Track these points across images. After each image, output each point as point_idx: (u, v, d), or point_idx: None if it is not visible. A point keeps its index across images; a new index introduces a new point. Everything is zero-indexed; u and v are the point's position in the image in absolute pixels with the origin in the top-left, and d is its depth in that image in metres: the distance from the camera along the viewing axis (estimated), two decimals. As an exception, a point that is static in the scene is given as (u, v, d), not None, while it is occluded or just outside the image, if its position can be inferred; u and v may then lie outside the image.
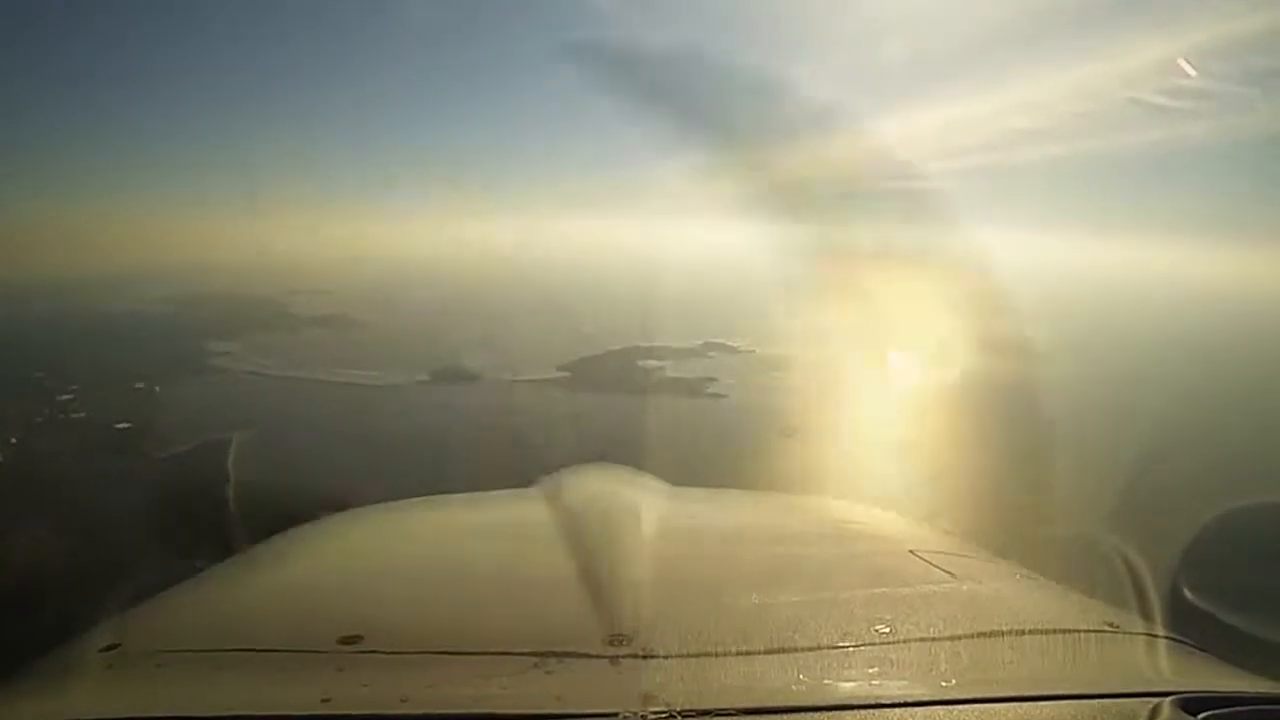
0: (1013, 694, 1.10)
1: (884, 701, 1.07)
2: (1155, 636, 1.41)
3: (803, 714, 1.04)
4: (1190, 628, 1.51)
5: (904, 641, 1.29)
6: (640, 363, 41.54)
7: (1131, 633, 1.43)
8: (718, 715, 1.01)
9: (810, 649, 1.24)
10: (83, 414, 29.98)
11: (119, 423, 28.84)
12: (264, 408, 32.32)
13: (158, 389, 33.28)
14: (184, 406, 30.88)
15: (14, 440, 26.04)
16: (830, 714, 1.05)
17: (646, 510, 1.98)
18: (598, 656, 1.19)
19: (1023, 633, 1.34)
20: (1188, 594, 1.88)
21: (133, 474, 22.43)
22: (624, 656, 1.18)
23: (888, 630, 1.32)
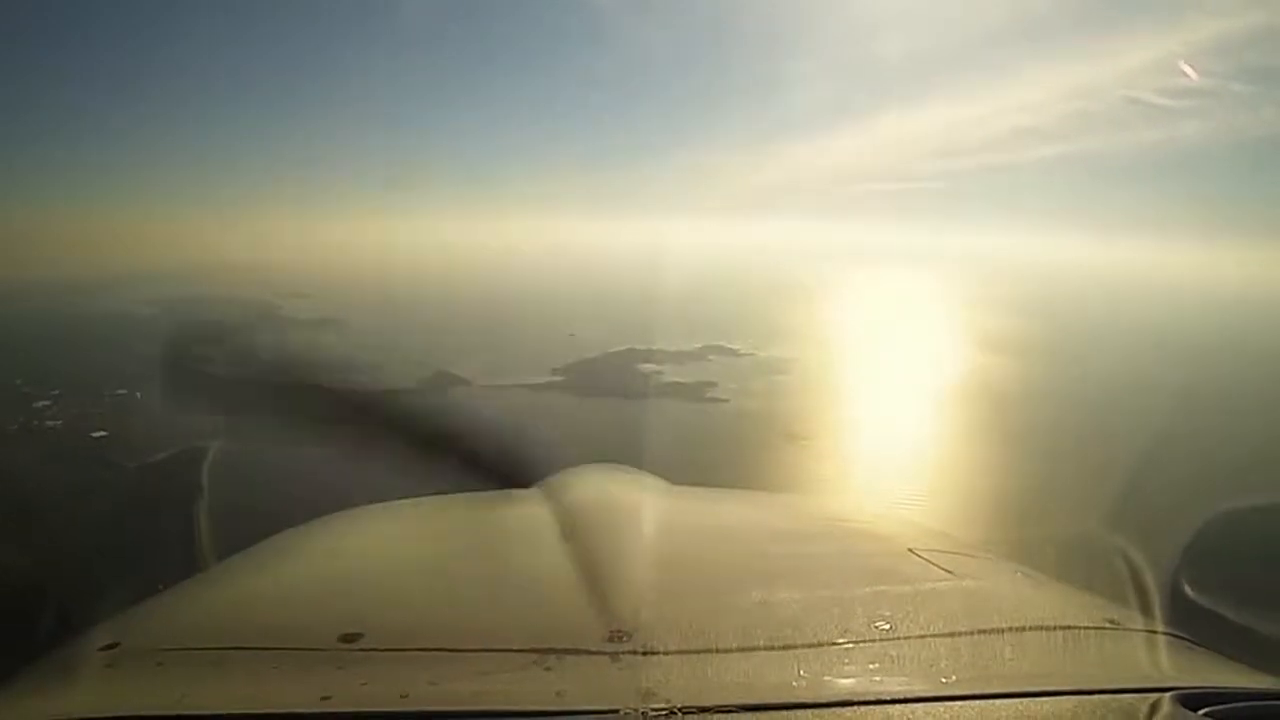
0: (1013, 690, 1.09)
1: (884, 698, 1.06)
2: (1155, 632, 1.41)
3: (803, 710, 1.03)
4: (1190, 623, 1.52)
5: (904, 638, 1.28)
6: (639, 366, 41.04)
7: (1131, 628, 1.43)
8: (718, 712, 1.00)
9: (810, 646, 1.23)
10: (59, 422, 29.39)
11: (95, 431, 28.31)
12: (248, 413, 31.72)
13: (139, 395, 32.74)
14: (165, 412, 30.29)
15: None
16: (830, 710, 1.03)
17: (646, 508, 1.98)
18: (598, 653, 1.17)
19: (1022, 629, 1.34)
20: (1188, 590, 1.89)
21: (107, 485, 21.96)
22: (624, 653, 1.17)
23: (888, 627, 1.31)
